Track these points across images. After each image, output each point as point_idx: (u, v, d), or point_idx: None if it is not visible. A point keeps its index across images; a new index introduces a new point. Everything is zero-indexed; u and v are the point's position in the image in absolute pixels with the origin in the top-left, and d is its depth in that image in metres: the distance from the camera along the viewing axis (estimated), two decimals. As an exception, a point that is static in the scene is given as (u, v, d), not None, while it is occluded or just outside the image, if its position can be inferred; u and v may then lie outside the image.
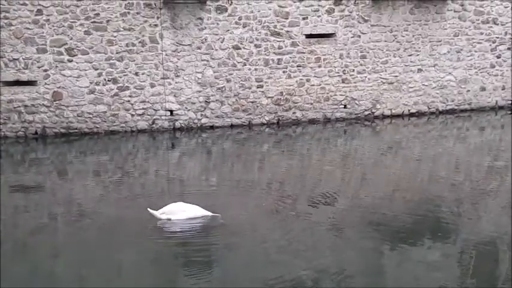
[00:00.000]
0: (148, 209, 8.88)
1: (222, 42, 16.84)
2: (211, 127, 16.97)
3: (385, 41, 18.19)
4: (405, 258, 7.83)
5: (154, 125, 16.68)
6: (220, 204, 9.48)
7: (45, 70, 15.82)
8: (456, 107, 19.14)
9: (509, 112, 19.30)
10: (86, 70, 16.05)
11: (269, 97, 17.44)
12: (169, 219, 8.82)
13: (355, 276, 7.23)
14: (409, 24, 18.31)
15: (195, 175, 12.96)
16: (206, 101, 16.96)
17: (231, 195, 11.01)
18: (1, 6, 15.34)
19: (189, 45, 16.62)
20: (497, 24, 19.23)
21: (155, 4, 16.19)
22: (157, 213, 8.85)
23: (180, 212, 8.91)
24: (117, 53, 16.17)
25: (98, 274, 7.33)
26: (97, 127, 16.29)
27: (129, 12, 16.10)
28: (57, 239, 8.99)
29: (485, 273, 7.41)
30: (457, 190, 11.17)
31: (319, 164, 13.85)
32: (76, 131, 16.13)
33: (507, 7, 19.21)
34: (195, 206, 9.05)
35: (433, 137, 16.26)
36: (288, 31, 17.31)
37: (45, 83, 15.86)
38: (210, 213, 9.00)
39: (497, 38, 19.29)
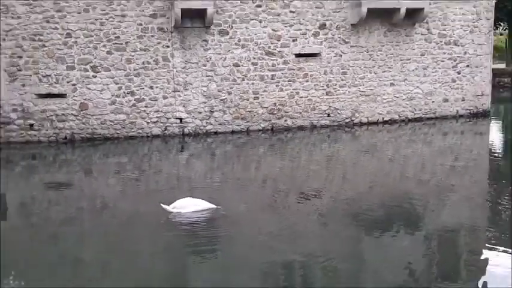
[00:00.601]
0: (161, 204, 8.88)
1: (224, 60, 16.85)
2: (215, 133, 16.96)
3: (363, 60, 18.22)
4: (380, 244, 7.84)
5: (166, 131, 16.67)
6: (222, 198, 9.49)
7: (73, 84, 15.81)
8: (423, 116, 19.16)
9: (468, 120, 19.35)
10: (108, 84, 16.05)
11: (264, 107, 17.44)
12: (179, 212, 8.80)
13: (338, 259, 7.23)
14: (383, 45, 18.35)
15: (201, 174, 12.95)
16: (210, 111, 16.96)
17: (231, 190, 11.06)
18: (36, 30, 15.37)
19: (196, 63, 16.62)
20: (458, 45, 19.28)
21: (167, 28, 16.20)
22: (169, 207, 8.84)
23: (188, 206, 8.89)
24: (134, 70, 16.18)
25: (118, 258, 7.35)
26: (117, 133, 16.28)
27: (144, 35, 16.11)
28: (83, 228, 8.96)
29: (446, 256, 7.43)
30: (423, 186, 11.17)
31: (307, 164, 13.85)
32: (100, 136, 16.11)
33: (466, 31, 19.27)
34: (201, 200, 9.05)
35: (403, 141, 16.29)
36: (280, 51, 17.33)
37: (73, 96, 15.86)
38: (213, 206, 8.99)
39: (458, 56, 19.34)
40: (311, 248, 7.51)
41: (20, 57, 15.42)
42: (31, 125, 15.70)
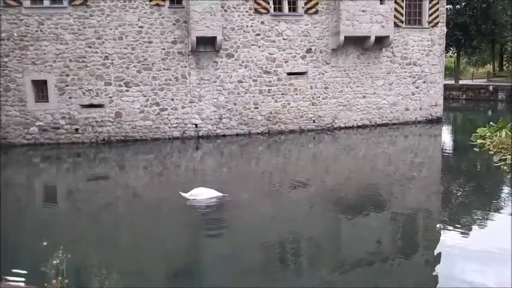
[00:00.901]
0: (180, 192, 8.88)
1: (230, 78, 16.82)
2: (223, 135, 16.92)
3: (341, 77, 18.20)
4: (355, 224, 7.85)
5: (184, 134, 16.64)
6: (229, 187, 9.46)
7: (110, 97, 15.79)
8: (389, 122, 19.13)
9: (425, 125, 19.32)
10: (137, 97, 16.02)
11: (262, 115, 17.42)
12: (195, 199, 8.78)
13: (321, 237, 7.25)
14: (357, 66, 18.32)
15: (212, 168, 12.93)
16: (220, 118, 16.94)
17: (236, 181, 11.03)
18: (80, 53, 15.37)
19: (208, 79, 16.60)
20: (416, 66, 19.26)
21: (185, 52, 16.18)
22: (186, 195, 8.84)
23: (202, 194, 8.87)
24: (159, 85, 16.15)
25: (148, 235, 7.34)
26: (145, 136, 16.25)
27: (167, 58, 16.08)
28: (118, 212, 8.97)
29: (408, 234, 7.44)
30: (389, 178, 11.17)
31: (297, 160, 13.84)
32: (131, 138, 16.08)
33: (423, 54, 19.26)
34: (211, 190, 9.01)
35: (373, 142, 16.27)
36: (275, 70, 17.30)
37: (110, 106, 15.83)
38: (221, 194, 8.96)
39: (416, 74, 19.32)
40: (300, 228, 7.50)
41: (68, 75, 15.39)
42: (76, 129, 15.67)
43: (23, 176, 12.25)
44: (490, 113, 26.50)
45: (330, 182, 10.74)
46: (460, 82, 37.18)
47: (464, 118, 25.13)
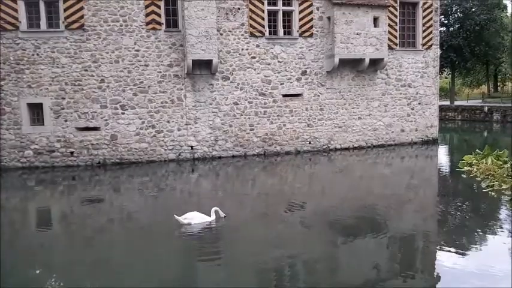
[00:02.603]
0: (175, 215, 8.84)
1: (226, 100, 16.98)
2: (219, 157, 16.97)
3: (336, 99, 18.41)
4: (352, 247, 7.83)
5: (180, 156, 16.68)
6: (225, 208, 9.42)
7: (106, 120, 15.87)
8: (385, 143, 19.28)
9: (421, 146, 19.48)
10: (133, 119, 16.11)
11: (258, 136, 17.51)
12: (190, 224, 8.72)
13: (318, 260, 7.22)
14: (352, 88, 18.56)
15: (208, 189, 12.93)
16: (215, 140, 17.02)
17: (232, 203, 10.98)
18: (76, 76, 15.51)
19: (203, 102, 16.74)
20: (411, 87, 19.53)
21: (181, 75, 16.37)
22: (180, 218, 8.78)
23: (196, 218, 8.82)
24: (155, 108, 16.26)
25: (141, 259, 7.29)
26: (141, 158, 16.28)
27: (163, 80, 16.25)
28: (112, 236, 8.92)
29: (405, 257, 7.43)
30: (386, 200, 11.15)
31: (293, 181, 13.86)
32: (126, 161, 16.11)
33: (417, 76, 19.55)
34: (202, 215, 8.91)
35: (369, 163, 16.35)
36: (270, 92, 17.49)
37: (106, 129, 15.90)
38: (213, 219, 8.87)
39: (411, 96, 19.58)
40: (296, 250, 7.49)
41: (63, 98, 15.50)
42: (71, 152, 15.69)
43: (17, 200, 12.20)
44: (485, 133, 26.74)
45: (326, 204, 10.74)
46: (456, 103, 37.59)
47: (460, 139, 25.31)
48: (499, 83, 53.62)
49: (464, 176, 4.15)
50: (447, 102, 38.19)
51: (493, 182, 3.83)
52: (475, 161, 4.03)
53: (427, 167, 16.29)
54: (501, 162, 3.78)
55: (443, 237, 8.37)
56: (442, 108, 31.43)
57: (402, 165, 16.35)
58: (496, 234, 8.19)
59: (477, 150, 4.26)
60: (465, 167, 4.15)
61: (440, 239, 8.29)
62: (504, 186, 3.67)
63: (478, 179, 3.94)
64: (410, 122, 19.67)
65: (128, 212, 10.53)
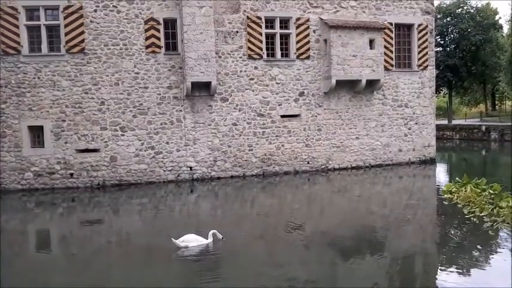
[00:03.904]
0: (172, 238, 8.84)
1: (225, 121, 17.19)
2: (218, 178, 17.08)
3: (333, 119, 18.62)
4: (351, 267, 7.87)
5: (179, 177, 16.79)
6: (224, 229, 9.47)
7: (105, 141, 16.03)
8: (382, 163, 19.42)
9: (418, 166, 19.60)
10: (133, 141, 16.28)
11: (257, 157, 17.66)
12: (187, 246, 8.73)
13: (318, 280, 7.24)
14: (349, 108, 18.79)
15: (207, 210, 12.99)
16: (214, 160, 17.15)
17: (231, 224, 11.02)
18: (77, 99, 15.73)
19: (202, 123, 16.94)
20: (408, 107, 19.78)
21: (180, 97, 16.61)
22: (177, 241, 8.78)
23: (193, 241, 8.83)
24: (154, 129, 16.46)
25: (140, 282, 7.32)
26: (140, 179, 16.38)
27: (162, 102, 16.48)
28: (110, 258, 8.95)
29: (404, 277, 7.48)
30: (384, 220, 11.23)
31: (292, 202, 13.89)
32: (126, 182, 16.21)
33: (414, 96, 19.82)
34: (199, 237, 8.93)
35: (367, 183, 16.41)
36: (268, 113, 17.72)
37: (105, 150, 16.05)
38: (210, 241, 8.90)
39: (408, 116, 19.81)
40: (295, 272, 7.51)
41: (64, 120, 15.71)
42: (71, 174, 15.81)
43: (17, 222, 12.25)
44: (483, 152, 26.90)
45: (325, 225, 10.80)
46: (453, 122, 37.87)
47: (458, 158, 25.44)
48: (496, 102, 54.06)
49: (446, 202, 4.30)
50: (445, 121, 38.47)
51: (474, 208, 4.00)
52: (454, 189, 4.21)
53: (425, 186, 16.31)
54: (479, 190, 3.95)
55: (443, 257, 8.42)
56: (439, 127, 31.66)
57: (401, 185, 16.34)
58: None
59: (457, 178, 4.45)
60: (445, 195, 4.33)
61: (441, 259, 8.33)
62: (484, 213, 3.84)
63: (459, 205, 4.09)
64: (407, 142, 19.85)
65: (127, 234, 10.58)
